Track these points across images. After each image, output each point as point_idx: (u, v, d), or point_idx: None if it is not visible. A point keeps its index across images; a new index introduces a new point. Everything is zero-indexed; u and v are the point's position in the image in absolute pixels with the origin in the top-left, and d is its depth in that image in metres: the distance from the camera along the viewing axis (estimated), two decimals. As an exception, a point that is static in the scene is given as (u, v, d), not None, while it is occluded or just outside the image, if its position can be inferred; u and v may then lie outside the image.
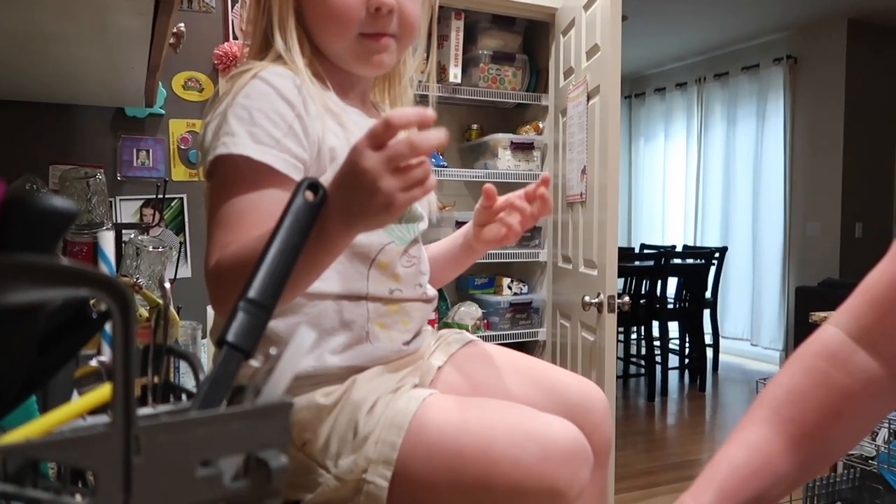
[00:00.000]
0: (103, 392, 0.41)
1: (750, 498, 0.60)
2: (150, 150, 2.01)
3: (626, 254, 4.77)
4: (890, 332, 0.64)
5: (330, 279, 0.81)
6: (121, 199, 1.98)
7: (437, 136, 0.60)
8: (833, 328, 0.68)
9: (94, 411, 0.41)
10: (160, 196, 1.88)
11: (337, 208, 0.61)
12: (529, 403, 0.83)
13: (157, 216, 1.94)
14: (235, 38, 2.08)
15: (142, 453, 0.30)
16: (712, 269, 4.85)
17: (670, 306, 4.65)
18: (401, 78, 1.01)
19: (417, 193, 0.61)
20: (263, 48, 0.88)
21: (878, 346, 0.65)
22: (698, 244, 5.93)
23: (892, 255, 0.65)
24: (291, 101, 0.78)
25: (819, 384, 0.64)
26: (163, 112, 2.03)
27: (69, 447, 0.28)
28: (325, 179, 0.80)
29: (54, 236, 0.37)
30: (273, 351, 0.38)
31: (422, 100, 1.03)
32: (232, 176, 0.75)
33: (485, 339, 1.49)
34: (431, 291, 0.95)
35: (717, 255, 4.91)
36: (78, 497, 0.41)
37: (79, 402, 0.42)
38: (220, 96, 0.81)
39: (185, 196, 2.05)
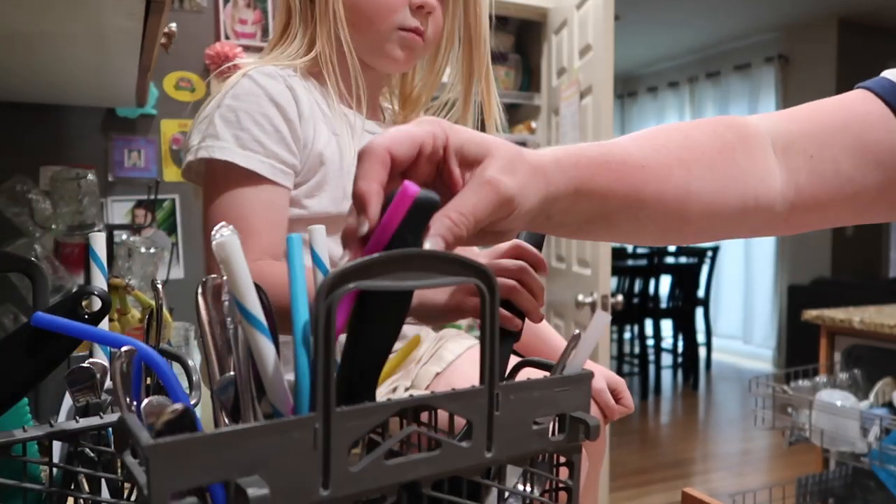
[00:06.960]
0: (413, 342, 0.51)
1: (600, 187, 0.51)
2: (142, 151, 2.00)
3: (619, 253, 4.77)
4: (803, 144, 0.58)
5: None
6: (112, 200, 1.97)
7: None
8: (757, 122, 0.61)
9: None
10: (152, 197, 1.87)
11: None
12: None
13: (149, 217, 1.93)
14: (227, 38, 2.07)
15: (499, 408, 0.38)
16: (705, 268, 4.87)
17: (663, 305, 4.66)
18: (412, 86, 0.99)
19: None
20: (284, 34, 0.88)
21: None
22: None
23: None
24: (280, 103, 0.77)
25: (718, 147, 0.57)
26: (154, 112, 2.02)
27: (458, 399, 0.37)
28: (316, 182, 0.80)
29: (423, 226, 0.40)
30: (576, 331, 0.45)
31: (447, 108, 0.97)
32: (220, 182, 0.76)
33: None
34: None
35: (709, 253, 4.93)
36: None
37: (399, 354, 0.63)
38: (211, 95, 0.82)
39: (177, 197, 2.04)
